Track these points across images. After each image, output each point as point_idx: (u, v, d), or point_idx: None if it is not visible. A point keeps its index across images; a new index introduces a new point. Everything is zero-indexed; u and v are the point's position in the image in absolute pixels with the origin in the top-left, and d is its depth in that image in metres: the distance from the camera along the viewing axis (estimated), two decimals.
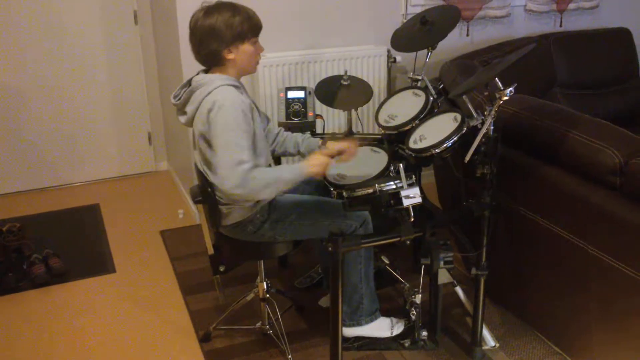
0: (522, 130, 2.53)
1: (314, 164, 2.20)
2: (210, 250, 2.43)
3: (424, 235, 2.26)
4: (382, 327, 2.59)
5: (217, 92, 2.14)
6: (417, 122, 2.62)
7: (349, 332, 2.55)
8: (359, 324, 2.56)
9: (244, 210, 2.30)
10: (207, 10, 2.16)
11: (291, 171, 2.20)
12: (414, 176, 2.25)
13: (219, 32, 2.13)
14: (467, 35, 4.04)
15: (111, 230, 3.67)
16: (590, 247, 2.19)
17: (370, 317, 2.56)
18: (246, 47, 2.20)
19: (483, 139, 2.24)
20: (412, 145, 2.47)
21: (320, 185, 2.61)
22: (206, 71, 2.28)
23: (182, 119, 2.28)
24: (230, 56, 2.19)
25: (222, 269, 2.46)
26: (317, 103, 2.92)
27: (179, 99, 2.28)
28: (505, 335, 2.67)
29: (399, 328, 2.61)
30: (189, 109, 2.22)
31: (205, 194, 2.31)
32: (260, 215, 2.32)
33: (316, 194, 2.58)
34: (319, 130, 2.91)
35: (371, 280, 2.53)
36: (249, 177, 2.08)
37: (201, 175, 2.32)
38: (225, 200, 2.28)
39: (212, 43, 2.15)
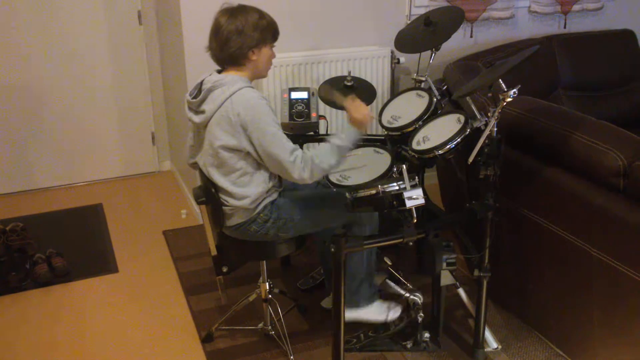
0: (525, 132, 2.53)
1: (354, 119, 2.29)
2: (214, 251, 2.44)
3: (427, 237, 2.26)
4: (379, 312, 2.61)
5: (244, 94, 2.19)
6: (420, 123, 2.62)
7: (347, 314, 2.55)
8: (357, 306, 2.58)
9: (247, 211, 2.30)
10: (233, 12, 2.22)
11: (341, 137, 2.25)
12: (417, 177, 2.25)
13: (247, 32, 2.20)
14: (471, 36, 4.03)
15: (114, 230, 3.67)
16: (593, 249, 2.19)
17: (368, 301, 2.58)
18: (266, 51, 2.29)
19: (486, 141, 2.23)
20: (415, 146, 2.47)
21: (321, 183, 2.62)
22: (219, 72, 2.29)
23: (197, 118, 2.27)
24: (253, 57, 2.25)
25: (225, 269, 2.46)
26: (321, 104, 2.92)
27: (194, 97, 2.28)
28: (507, 337, 2.66)
29: (395, 313, 2.63)
30: (208, 107, 2.22)
31: (209, 194, 2.31)
32: (263, 215, 2.33)
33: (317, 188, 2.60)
34: (322, 131, 2.91)
35: (372, 267, 2.55)
36: (307, 158, 2.16)
37: (205, 175, 2.33)
38: (230, 202, 2.29)
39: (239, 43, 2.20)
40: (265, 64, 2.31)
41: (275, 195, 2.37)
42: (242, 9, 2.23)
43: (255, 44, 2.22)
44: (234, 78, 2.22)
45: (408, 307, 2.60)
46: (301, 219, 2.37)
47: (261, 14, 2.24)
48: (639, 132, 2.27)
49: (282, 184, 2.44)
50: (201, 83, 2.28)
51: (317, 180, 2.24)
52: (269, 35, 2.26)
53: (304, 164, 2.16)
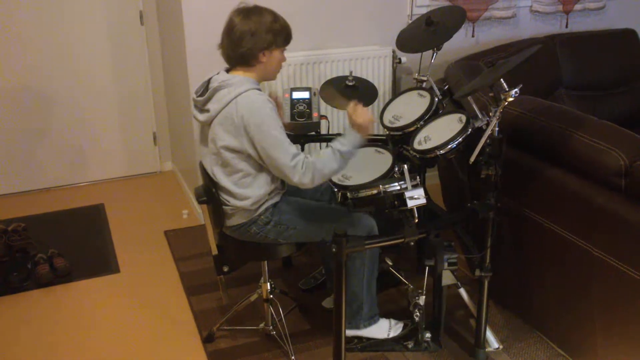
0: (527, 131, 2.52)
1: (356, 124, 2.26)
2: (215, 251, 2.44)
3: (428, 237, 2.26)
4: (380, 330, 2.60)
5: (250, 96, 2.17)
6: (421, 123, 2.62)
7: (347, 332, 2.55)
8: (357, 327, 2.57)
9: (248, 212, 2.30)
10: (247, 13, 2.21)
11: (343, 142, 2.22)
12: (418, 177, 2.25)
13: (259, 34, 2.18)
14: (473, 36, 4.03)
15: (116, 230, 3.67)
16: (595, 249, 2.18)
17: (369, 322, 2.57)
18: (277, 54, 2.27)
19: (488, 140, 2.23)
20: (416, 146, 2.47)
21: (326, 190, 2.61)
22: (227, 70, 2.29)
23: (202, 116, 2.27)
24: (264, 59, 2.23)
25: (225, 269, 2.46)
26: (322, 104, 2.92)
27: (200, 95, 2.28)
28: (508, 337, 2.66)
29: (396, 330, 2.62)
30: (213, 107, 2.21)
31: (210, 194, 2.31)
32: (264, 217, 2.32)
33: (322, 199, 2.59)
34: (324, 131, 2.90)
35: (373, 288, 2.53)
36: (309, 164, 2.15)
37: (207, 175, 2.33)
38: (231, 202, 2.28)
39: (251, 43, 2.19)
40: (274, 67, 2.30)
41: (277, 198, 2.36)
42: (256, 10, 2.22)
43: (266, 46, 2.21)
44: (241, 79, 2.21)
45: (409, 305, 2.60)
46: (302, 229, 2.37)
47: (275, 17, 2.23)
48: None
49: (285, 186, 2.44)
50: (208, 81, 2.27)
51: (318, 184, 2.21)
52: (280, 38, 2.24)
53: (305, 169, 2.14)
